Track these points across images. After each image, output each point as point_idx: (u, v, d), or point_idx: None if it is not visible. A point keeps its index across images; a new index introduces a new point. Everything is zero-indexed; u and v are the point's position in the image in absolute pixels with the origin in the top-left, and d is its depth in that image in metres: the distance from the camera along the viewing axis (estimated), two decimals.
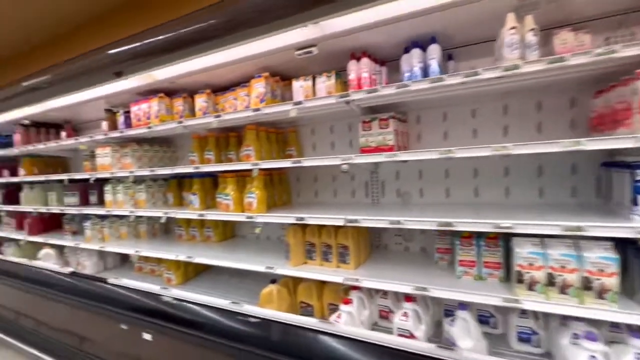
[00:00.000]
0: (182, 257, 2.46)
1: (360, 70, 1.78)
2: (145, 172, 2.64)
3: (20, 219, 4.28)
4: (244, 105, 2.32)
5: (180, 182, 3.12)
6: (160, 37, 2.23)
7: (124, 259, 3.63)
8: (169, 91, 2.68)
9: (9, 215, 4.38)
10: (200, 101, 2.49)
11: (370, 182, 2.43)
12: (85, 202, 3.58)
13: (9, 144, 4.18)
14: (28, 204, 3.80)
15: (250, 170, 2.30)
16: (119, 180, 3.00)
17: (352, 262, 1.95)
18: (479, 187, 2.05)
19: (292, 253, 2.07)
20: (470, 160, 2.02)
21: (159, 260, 3.07)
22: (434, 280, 1.71)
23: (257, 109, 2.03)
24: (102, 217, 3.24)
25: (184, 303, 2.13)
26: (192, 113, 2.70)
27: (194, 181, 2.64)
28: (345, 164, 1.74)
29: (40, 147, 3.43)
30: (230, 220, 3.01)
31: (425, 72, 1.68)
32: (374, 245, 2.43)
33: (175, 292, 2.27)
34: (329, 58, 1.98)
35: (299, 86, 1.98)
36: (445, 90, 1.65)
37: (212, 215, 2.33)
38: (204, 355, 1.98)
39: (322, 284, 2.13)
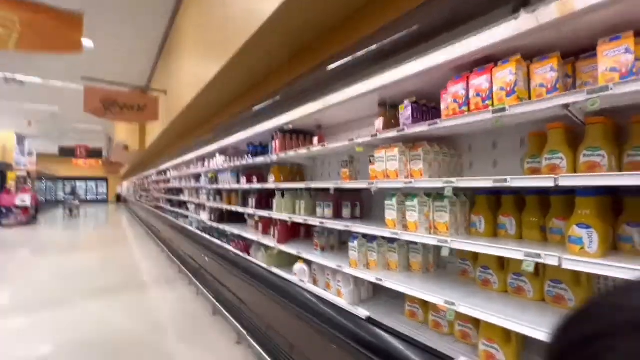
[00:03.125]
0: None
1: None
2: (486, 184, 1.66)
3: (265, 224, 4.47)
4: None
5: (490, 200, 2.08)
6: None
7: (376, 289, 2.92)
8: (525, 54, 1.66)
9: (254, 218, 4.71)
10: (622, 50, 1.32)
11: None
12: (337, 214, 3.13)
13: (263, 152, 4.47)
14: (279, 211, 3.74)
15: None
16: (409, 193, 2.22)
17: None
18: None
19: None
20: None
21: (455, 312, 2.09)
22: None
23: None
24: (367, 238, 2.59)
25: None
26: (565, 83, 1.58)
27: (581, 201, 1.47)
28: None
29: (302, 152, 3.20)
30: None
31: None
32: None
33: None
34: None
35: None
36: None
37: None
38: None
39: None
